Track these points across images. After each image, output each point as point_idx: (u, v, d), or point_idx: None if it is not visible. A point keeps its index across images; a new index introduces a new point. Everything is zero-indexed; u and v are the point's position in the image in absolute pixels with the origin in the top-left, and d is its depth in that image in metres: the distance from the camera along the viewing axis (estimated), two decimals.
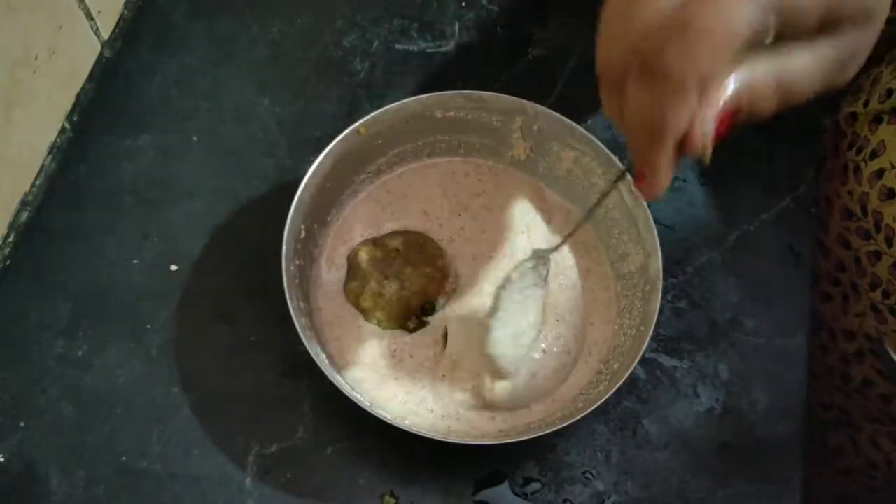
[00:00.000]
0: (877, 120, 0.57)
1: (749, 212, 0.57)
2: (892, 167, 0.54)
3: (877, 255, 0.56)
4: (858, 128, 0.58)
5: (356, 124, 0.50)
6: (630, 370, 0.44)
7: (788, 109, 0.35)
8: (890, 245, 0.54)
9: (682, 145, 0.34)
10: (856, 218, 0.57)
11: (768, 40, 0.31)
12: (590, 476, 0.48)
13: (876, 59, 0.61)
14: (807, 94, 0.34)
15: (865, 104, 0.58)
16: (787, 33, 0.32)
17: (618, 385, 0.44)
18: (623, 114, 0.35)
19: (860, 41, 0.34)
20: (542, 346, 0.50)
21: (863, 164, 0.56)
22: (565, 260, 0.53)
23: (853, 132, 0.59)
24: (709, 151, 0.33)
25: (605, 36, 0.34)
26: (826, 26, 0.33)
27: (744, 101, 0.33)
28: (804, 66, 0.33)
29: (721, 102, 0.32)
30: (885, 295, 0.56)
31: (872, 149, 0.56)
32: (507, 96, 0.51)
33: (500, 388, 0.48)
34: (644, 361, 0.51)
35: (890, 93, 0.55)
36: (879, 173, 0.55)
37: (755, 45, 0.31)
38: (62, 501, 0.46)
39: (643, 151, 0.35)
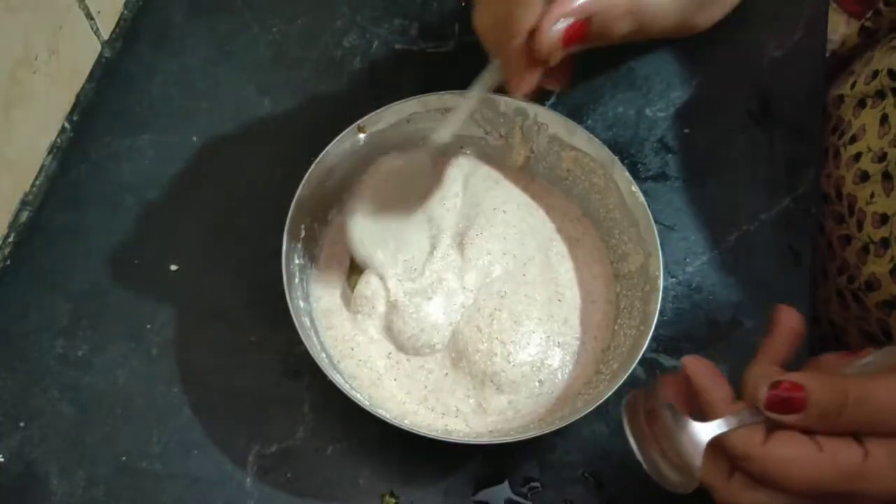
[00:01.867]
0: (861, 104, 0.57)
1: (749, 212, 0.57)
2: (869, 150, 0.54)
3: (847, 239, 0.56)
4: (843, 111, 0.58)
5: (356, 124, 0.50)
6: (630, 370, 0.44)
7: (645, 37, 0.36)
8: (860, 229, 0.54)
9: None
10: (831, 202, 0.57)
11: None
12: (589, 476, 0.48)
13: (873, 43, 0.62)
14: (660, 24, 0.37)
15: (853, 86, 0.58)
16: None
17: (618, 385, 0.44)
18: (484, 17, 0.38)
19: None
20: (559, 340, 0.50)
21: (842, 149, 0.57)
22: (564, 259, 0.53)
23: (838, 116, 0.59)
24: (556, 53, 0.35)
25: None
26: None
27: (597, 11, 0.35)
28: None
29: (573, 6, 0.34)
30: (850, 280, 0.56)
31: (853, 133, 0.56)
32: (506, 96, 0.51)
33: (497, 403, 0.48)
34: (644, 361, 0.51)
35: (875, 74, 0.56)
36: (857, 157, 0.55)
37: None
38: (62, 501, 0.46)
39: (500, 48, 0.38)
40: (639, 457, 0.37)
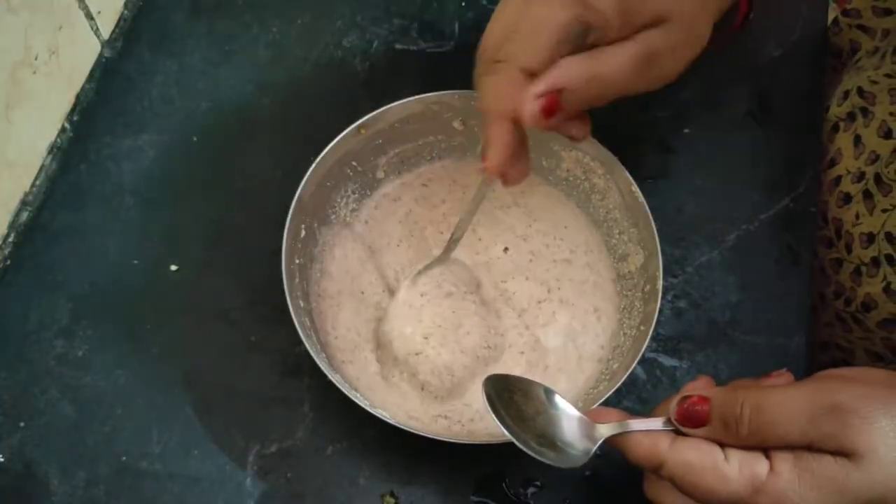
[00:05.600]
0: (835, 128, 0.57)
1: (749, 212, 0.57)
2: (848, 172, 0.54)
3: (839, 263, 0.56)
4: (819, 137, 0.59)
5: (356, 124, 0.50)
6: (630, 370, 0.44)
7: (615, 98, 0.41)
8: (850, 251, 0.54)
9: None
10: (819, 227, 0.57)
11: (587, 40, 0.39)
12: (589, 476, 0.48)
13: (839, 66, 0.62)
14: (620, 86, 0.40)
15: (827, 110, 0.58)
16: (597, 35, 0.39)
17: (618, 385, 0.44)
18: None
19: (664, 40, 0.41)
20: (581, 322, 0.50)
21: (822, 174, 0.57)
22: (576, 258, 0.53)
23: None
24: (541, 123, 0.39)
25: (488, 28, 0.41)
26: (624, 28, 0.39)
27: (565, 86, 0.38)
28: (614, 60, 0.39)
29: (543, 87, 0.38)
30: (847, 302, 0.56)
31: (830, 157, 0.56)
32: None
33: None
34: (644, 361, 0.51)
35: (846, 94, 0.56)
36: (837, 180, 0.55)
37: (576, 45, 0.38)
38: (62, 501, 0.46)
39: (485, 130, 0.41)
40: (506, 433, 0.38)
